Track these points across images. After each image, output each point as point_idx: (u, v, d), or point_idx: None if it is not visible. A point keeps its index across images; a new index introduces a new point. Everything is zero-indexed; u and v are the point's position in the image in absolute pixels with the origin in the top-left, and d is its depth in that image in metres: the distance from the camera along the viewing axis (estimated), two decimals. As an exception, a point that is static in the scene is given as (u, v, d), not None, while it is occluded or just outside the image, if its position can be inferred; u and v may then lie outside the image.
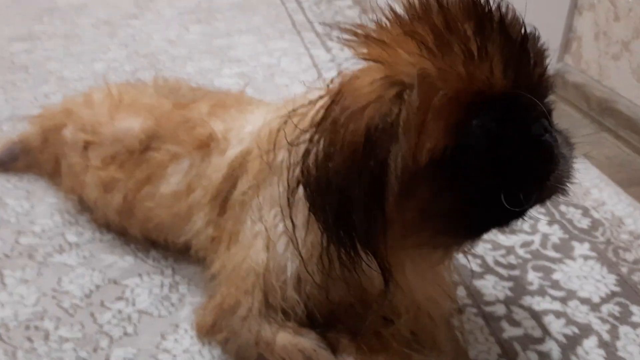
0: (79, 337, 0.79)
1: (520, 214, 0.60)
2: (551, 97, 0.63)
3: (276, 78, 1.62)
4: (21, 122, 1.19)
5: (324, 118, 0.57)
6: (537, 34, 0.58)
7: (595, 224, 1.05)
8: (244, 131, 0.79)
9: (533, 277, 0.92)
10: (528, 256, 0.97)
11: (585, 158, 1.26)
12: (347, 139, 0.54)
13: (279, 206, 0.69)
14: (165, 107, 0.90)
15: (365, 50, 0.56)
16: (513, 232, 1.03)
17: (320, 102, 0.60)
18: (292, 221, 0.64)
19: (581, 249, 0.99)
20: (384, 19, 0.58)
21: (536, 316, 0.85)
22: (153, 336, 0.80)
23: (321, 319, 0.73)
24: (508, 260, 0.96)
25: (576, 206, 1.11)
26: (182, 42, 1.92)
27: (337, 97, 0.56)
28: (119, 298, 0.86)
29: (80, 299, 0.86)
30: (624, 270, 0.94)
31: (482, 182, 0.56)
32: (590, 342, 0.80)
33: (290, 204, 0.63)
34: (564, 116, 1.46)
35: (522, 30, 0.55)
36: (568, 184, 0.60)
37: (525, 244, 1.00)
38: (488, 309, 0.86)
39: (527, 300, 0.88)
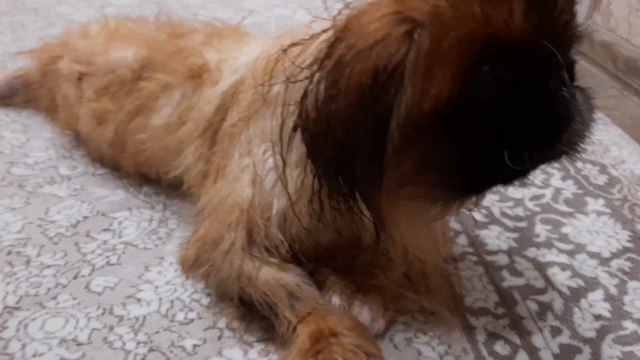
0: (61, 265, 0.77)
1: (524, 172, 0.55)
2: (576, 49, 0.56)
3: (289, 29, 1.57)
4: (23, 58, 1.16)
5: (327, 55, 0.52)
6: None
7: (613, 181, 0.99)
8: (238, 61, 0.75)
9: (540, 230, 0.87)
10: (537, 209, 0.92)
11: (607, 116, 1.19)
12: (353, 80, 0.49)
13: (270, 141, 0.65)
14: (160, 37, 0.86)
15: None
16: (523, 185, 0.97)
17: (324, 37, 0.55)
18: (282, 159, 0.60)
19: (595, 204, 0.93)
20: None
21: (540, 267, 0.80)
22: (136, 267, 0.77)
23: (307, 260, 0.69)
24: (515, 212, 0.91)
25: (594, 163, 1.05)
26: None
27: (342, 33, 0.51)
28: (106, 230, 0.84)
29: (66, 228, 0.84)
30: (638, 227, 0.88)
31: (486, 136, 0.51)
32: (595, 295, 0.75)
33: (282, 141, 0.59)
34: (589, 76, 1.38)
35: None
36: (581, 146, 0.54)
37: (535, 197, 0.95)
38: (489, 258, 0.82)
39: (532, 252, 0.83)
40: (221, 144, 0.73)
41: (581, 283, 0.77)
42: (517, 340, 0.68)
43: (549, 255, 0.82)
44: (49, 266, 0.77)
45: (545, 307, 0.73)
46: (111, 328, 0.68)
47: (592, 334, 0.69)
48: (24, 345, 0.65)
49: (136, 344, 0.66)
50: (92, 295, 0.73)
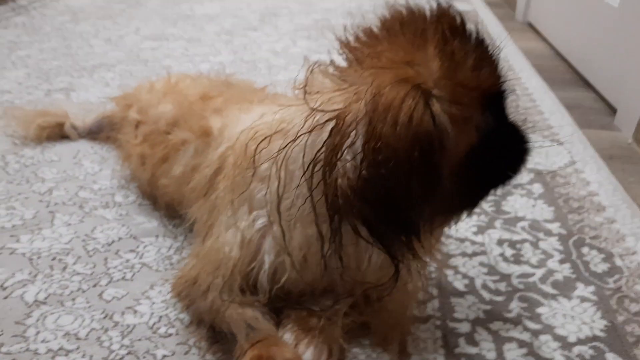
0: (87, 274, 0.94)
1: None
2: None
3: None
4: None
5: (368, 139, 0.60)
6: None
7: (613, 271, 0.99)
8: (235, 130, 0.82)
9: (515, 306, 0.91)
10: (521, 287, 0.95)
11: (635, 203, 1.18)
12: (400, 150, 0.59)
13: (259, 209, 0.76)
14: (193, 97, 1.03)
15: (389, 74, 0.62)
16: (518, 262, 1.01)
17: (328, 125, 0.63)
18: (281, 227, 0.71)
19: (583, 290, 0.94)
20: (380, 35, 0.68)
21: (498, 341, 0.84)
22: (143, 284, 0.92)
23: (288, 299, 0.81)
24: (497, 286, 0.95)
25: (601, 250, 1.05)
26: (285, 54, 2.09)
27: (372, 114, 0.60)
28: (132, 250, 1.01)
29: (102, 245, 1.02)
30: (620, 318, 0.88)
31: (493, 166, 0.70)
32: (540, 376, 0.78)
33: (280, 212, 0.70)
34: None
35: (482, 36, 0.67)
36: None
37: (523, 275, 0.98)
38: (452, 324, 0.87)
39: (497, 325, 0.87)
40: (214, 207, 0.84)
41: (532, 362, 0.80)
42: (442, 401, 0.73)
43: (513, 332, 0.86)
44: (78, 274, 0.94)
45: (482, 377, 0.77)
46: (106, 330, 0.83)
47: (518, 410, 0.72)
48: (38, 332, 0.82)
49: (120, 346, 0.80)
50: (101, 302, 0.89)
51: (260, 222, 0.76)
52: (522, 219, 1.14)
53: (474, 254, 1.03)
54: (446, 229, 0.84)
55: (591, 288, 0.95)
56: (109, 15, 2.53)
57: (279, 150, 0.68)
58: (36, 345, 0.80)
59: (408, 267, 0.79)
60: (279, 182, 0.70)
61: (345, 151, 0.62)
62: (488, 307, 0.90)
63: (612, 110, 1.70)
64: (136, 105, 1.16)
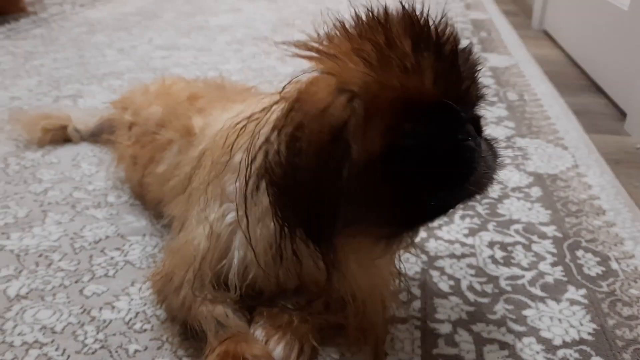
0: (71, 270, 0.95)
1: (443, 210, 0.67)
2: (480, 107, 0.68)
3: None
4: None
5: (286, 122, 0.62)
6: (470, 47, 0.65)
7: (608, 275, 0.96)
8: (215, 128, 0.83)
9: (500, 308, 0.88)
10: (508, 289, 0.92)
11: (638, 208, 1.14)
12: (312, 138, 0.60)
13: (229, 202, 0.76)
14: (182, 99, 1.03)
15: (320, 65, 0.63)
16: (508, 264, 0.98)
17: (277, 107, 0.66)
18: (246, 216, 0.70)
19: (574, 293, 0.91)
20: (336, 33, 0.65)
21: (479, 342, 0.81)
22: (125, 281, 0.92)
23: (247, 296, 0.79)
24: (484, 288, 0.93)
25: (596, 254, 1.01)
26: (292, 62, 2.09)
27: (296, 103, 0.62)
28: (118, 249, 1.01)
29: (89, 243, 1.02)
30: (611, 322, 0.85)
31: (411, 179, 0.62)
32: (518, 378, 0.75)
33: (247, 200, 0.70)
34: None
35: (455, 46, 0.62)
36: (487, 187, 0.66)
37: (512, 277, 0.95)
38: (432, 324, 0.84)
39: (479, 327, 0.84)
40: (189, 201, 0.85)
41: (512, 364, 0.77)
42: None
43: (495, 333, 0.83)
44: (62, 270, 0.95)
45: (458, 379, 0.74)
46: (82, 325, 0.83)
47: (491, 411, 0.69)
48: (15, 325, 0.83)
49: (94, 340, 0.80)
50: (81, 298, 0.89)
51: (231, 216, 0.76)
52: (516, 221, 1.11)
53: (463, 256, 1.00)
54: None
55: (582, 291, 0.92)
56: (124, 27, 2.58)
57: (248, 139, 0.68)
58: (12, 338, 0.81)
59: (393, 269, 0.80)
60: (246, 172, 0.69)
61: (274, 135, 0.63)
62: (472, 309, 0.88)
63: (623, 115, 1.65)
64: (131, 108, 1.18)
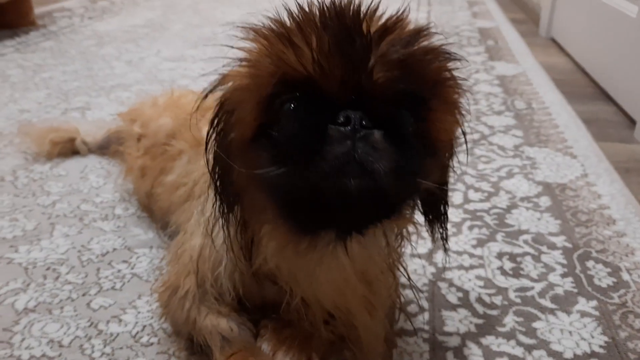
0: (79, 283, 0.95)
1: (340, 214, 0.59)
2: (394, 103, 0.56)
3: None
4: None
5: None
6: (419, 38, 0.57)
7: (619, 286, 0.95)
8: None
9: (509, 321, 0.87)
10: (517, 300, 0.91)
11: (648, 219, 1.13)
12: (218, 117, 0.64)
13: None
14: (190, 109, 1.03)
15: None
16: (517, 275, 0.97)
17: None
18: (223, 216, 0.68)
19: (585, 305, 0.90)
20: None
21: (488, 356, 0.80)
22: (132, 294, 0.92)
23: (253, 308, 0.79)
24: (493, 300, 0.92)
25: (607, 264, 1.00)
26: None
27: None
28: (125, 261, 1.01)
29: (96, 256, 1.02)
30: (623, 335, 0.84)
31: (281, 160, 0.56)
32: (528, 392, 0.74)
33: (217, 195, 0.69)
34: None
35: (356, 27, 0.55)
36: (355, 184, 0.54)
37: (522, 289, 0.94)
38: (441, 337, 0.83)
39: (488, 340, 0.83)
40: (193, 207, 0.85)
41: (521, 378, 0.76)
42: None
43: (504, 346, 0.82)
44: (69, 283, 0.95)
45: (467, 393, 0.73)
46: (89, 338, 0.83)
47: None
48: (23, 339, 0.83)
49: (101, 354, 0.80)
50: (88, 311, 0.89)
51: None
52: (525, 232, 1.10)
53: (471, 267, 1.00)
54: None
55: (593, 303, 0.91)
56: (132, 39, 2.60)
57: None
58: (20, 351, 0.81)
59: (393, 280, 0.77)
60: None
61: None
62: (481, 321, 0.87)
63: (632, 123, 1.64)
64: (139, 120, 1.18)
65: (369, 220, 0.62)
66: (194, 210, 0.84)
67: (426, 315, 0.88)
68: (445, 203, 0.71)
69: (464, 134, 0.66)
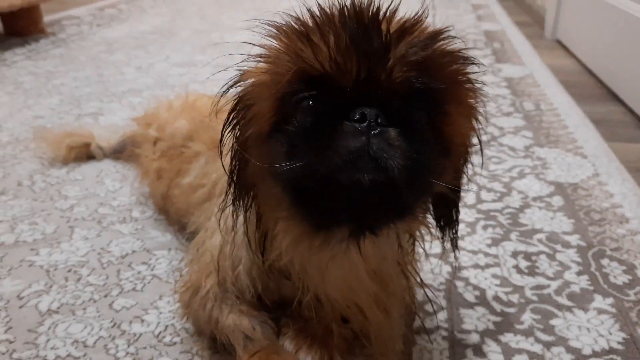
0: (100, 285, 0.96)
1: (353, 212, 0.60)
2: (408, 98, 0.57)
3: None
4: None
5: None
6: (436, 38, 0.59)
7: (635, 283, 0.96)
8: None
9: (527, 318, 0.88)
10: (534, 298, 0.92)
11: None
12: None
13: None
14: (206, 112, 1.05)
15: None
16: (533, 273, 0.98)
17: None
18: (245, 216, 0.71)
19: (601, 302, 0.91)
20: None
21: (507, 353, 0.81)
22: (153, 295, 0.94)
23: (271, 305, 0.80)
24: (510, 298, 0.92)
25: (622, 262, 1.01)
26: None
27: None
28: (144, 263, 1.02)
29: (116, 258, 1.04)
30: (640, 331, 0.85)
31: (297, 154, 0.57)
32: (549, 387, 0.74)
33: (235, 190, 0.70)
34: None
35: (374, 25, 0.56)
36: (369, 179, 0.54)
37: (538, 287, 0.95)
38: (460, 335, 0.84)
39: (507, 337, 0.84)
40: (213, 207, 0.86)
41: (541, 374, 0.77)
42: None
43: (523, 343, 0.83)
44: (91, 284, 0.97)
45: (488, 388, 0.74)
46: (113, 338, 0.84)
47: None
48: (48, 340, 0.84)
49: (125, 354, 0.81)
50: (111, 312, 0.90)
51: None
52: (539, 231, 1.11)
53: (487, 266, 1.01)
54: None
55: (610, 300, 0.91)
56: (141, 45, 2.62)
57: None
58: (45, 352, 0.82)
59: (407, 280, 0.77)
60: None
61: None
62: (499, 319, 0.88)
63: (641, 123, 1.65)
64: (155, 123, 1.20)
65: (382, 219, 0.63)
66: (214, 209, 0.85)
67: (444, 314, 0.89)
68: (457, 209, 0.72)
69: (479, 138, 0.67)
